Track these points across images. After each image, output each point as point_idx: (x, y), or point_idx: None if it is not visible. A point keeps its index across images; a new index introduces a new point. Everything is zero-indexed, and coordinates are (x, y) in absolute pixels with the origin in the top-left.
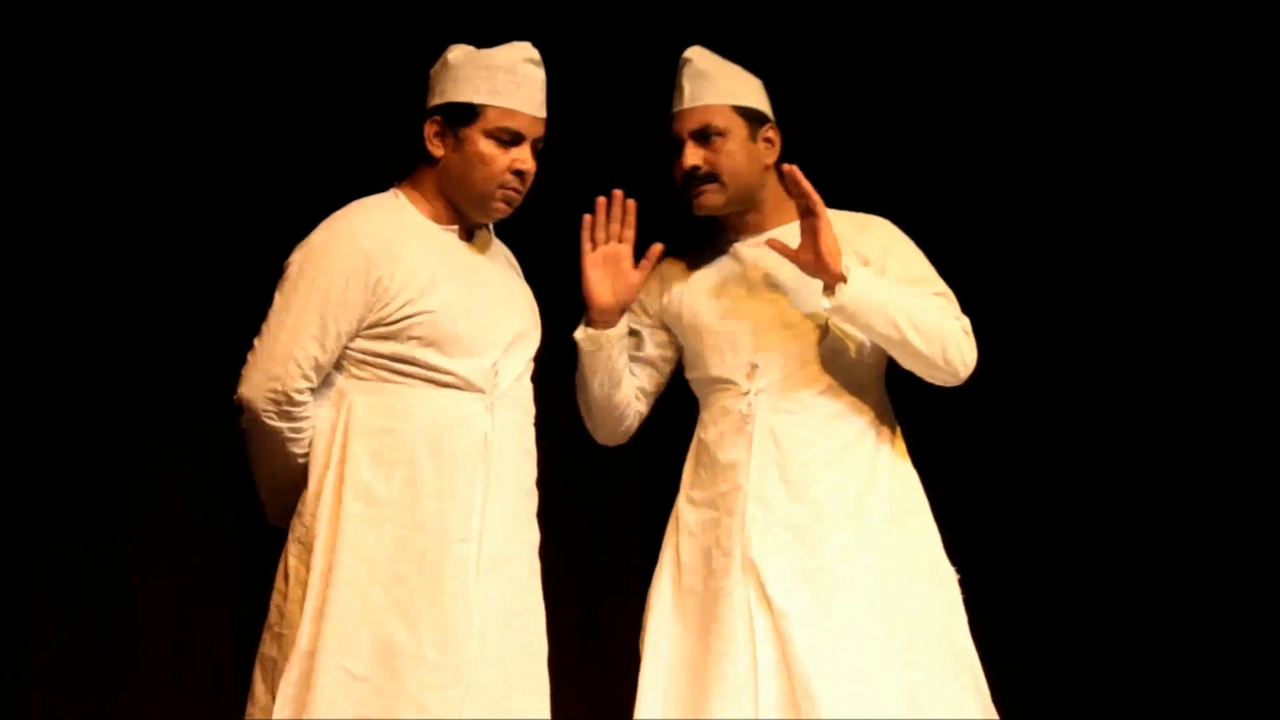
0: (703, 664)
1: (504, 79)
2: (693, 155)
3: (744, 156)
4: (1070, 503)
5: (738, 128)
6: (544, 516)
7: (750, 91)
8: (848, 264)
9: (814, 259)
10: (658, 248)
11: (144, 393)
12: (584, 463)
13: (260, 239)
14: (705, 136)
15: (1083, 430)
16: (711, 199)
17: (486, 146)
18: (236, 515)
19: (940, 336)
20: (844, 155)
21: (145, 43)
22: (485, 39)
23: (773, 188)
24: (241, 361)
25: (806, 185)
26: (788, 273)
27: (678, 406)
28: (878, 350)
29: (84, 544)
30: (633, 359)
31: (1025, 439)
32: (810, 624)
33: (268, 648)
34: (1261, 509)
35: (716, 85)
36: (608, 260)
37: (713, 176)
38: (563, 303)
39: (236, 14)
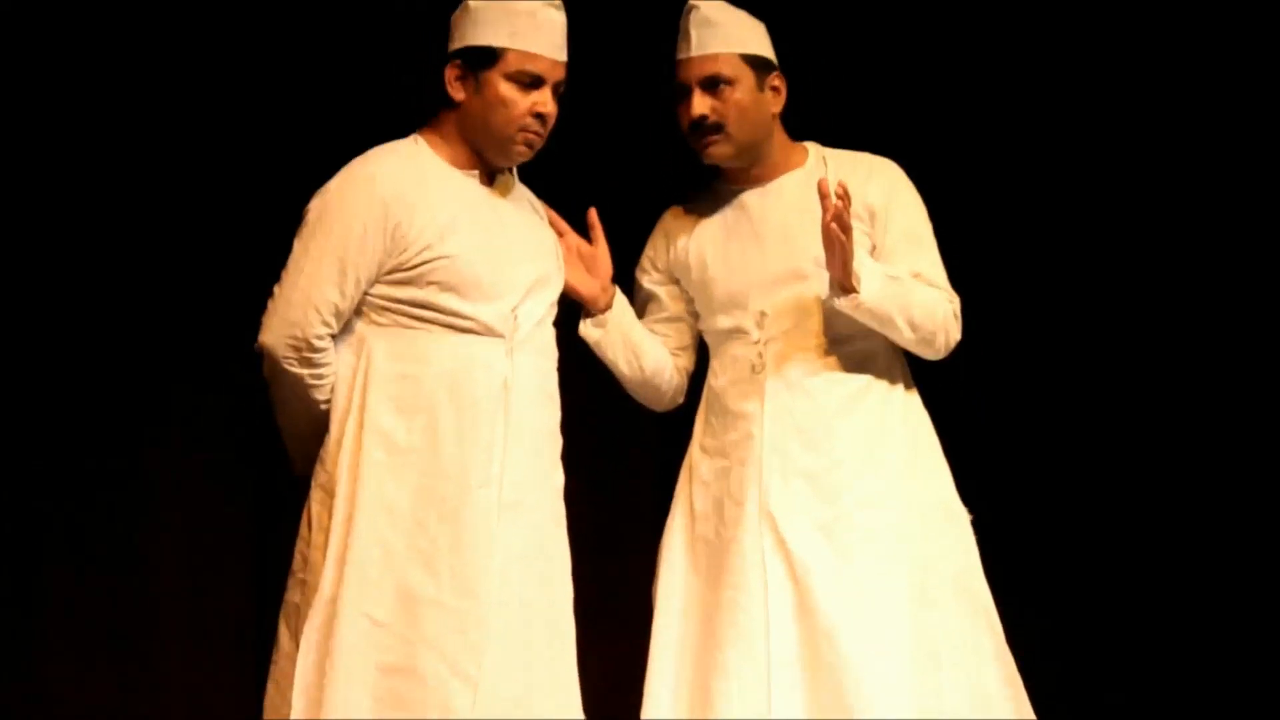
0: (715, 612)
1: (524, 22)
2: (700, 104)
3: (752, 106)
4: (1074, 478)
5: (746, 77)
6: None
7: (758, 39)
8: (858, 271)
9: (835, 267)
10: (593, 213)
11: (157, 346)
12: (598, 409)
13: (280, 187)
14: (713, 85)
15: (1083, 410)
16: (721, 149)
17: (507, 89)
18: (252, 467)
19: (932, 332)
20: (852, 115)
21: (154, 7)
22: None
23: (779, 136)
24: (258, 312)
25: (830, 201)
26: (796, 222)
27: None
28: None
29: (98, 500)
30: (657, 320)
31: (1026, 424)
32: (831, 572)
33: (292, 594)
34: (1259, 489)
35: (724, 33)
36: (570, 255)
37: (720, 126)
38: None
39: None
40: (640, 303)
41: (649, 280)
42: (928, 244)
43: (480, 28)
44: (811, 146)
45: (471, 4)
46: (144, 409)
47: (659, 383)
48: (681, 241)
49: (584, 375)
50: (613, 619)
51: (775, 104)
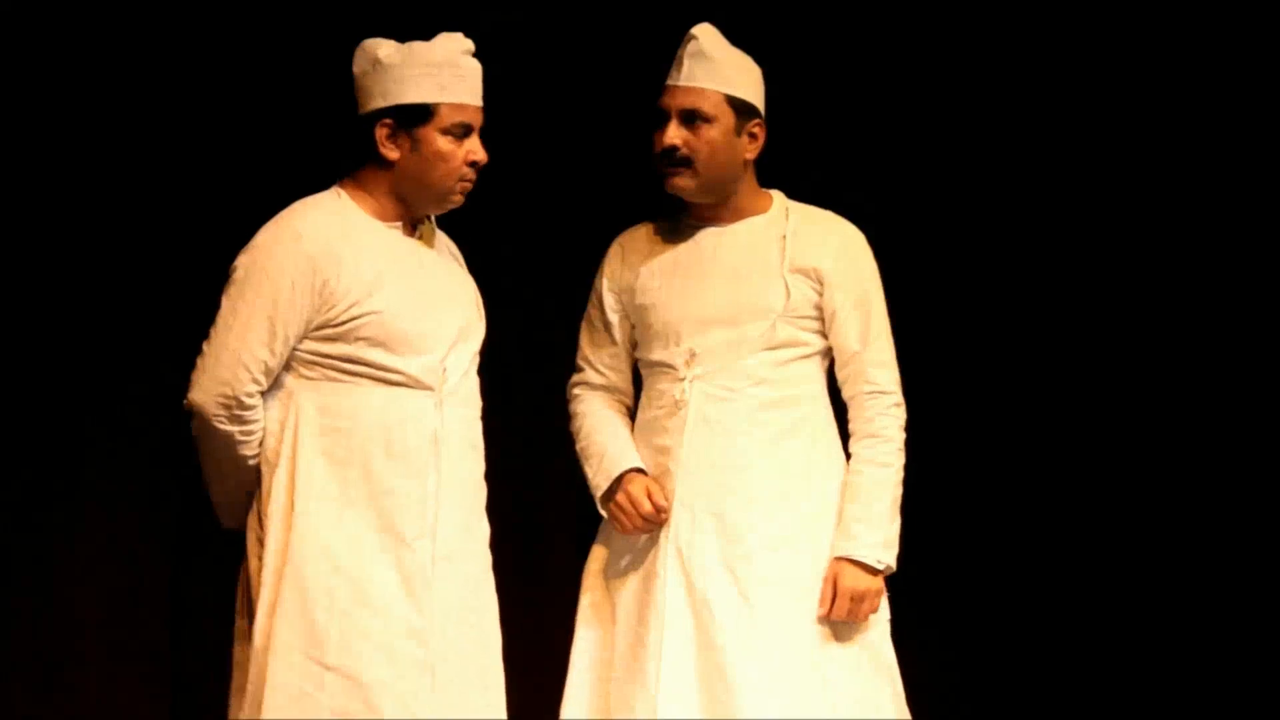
0: (624, 645)
1: (449, 74)
2: (674, 134)
3: (724, 147)
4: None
5: (725, 117)
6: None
7: (748, 83)
8: (880, 558)
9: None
10: None
11: (75, 380)
12: (519, 453)
13: (204, 240)
14: (691, 119)
15: (1052, 432)
16: (684, 182)
17: (444, 144)
18: (170, 512)
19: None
20: (831, 150)
21: (83, 44)
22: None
23: (747, 181)
24: (178, 359)
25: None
26: (745, 268)
27: None
28: (821, 352)
29: (15, 541)
30: (605, 354)
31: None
32: (732, 611)
33: (239, 651)
34: (1229, 508)
35: (715, 70)
36: None
37: (688, 161)
38: (504, 294)
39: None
40: (591, 328)
41: (605, 307)
42: (877, 315)
43: (406, 85)
44: (777, 196)
45: (384, 60)
46: (62, 440)
47: None
48: (634, 262)
49: (503, 419)
50: (535, 665)
51: (750, 150)
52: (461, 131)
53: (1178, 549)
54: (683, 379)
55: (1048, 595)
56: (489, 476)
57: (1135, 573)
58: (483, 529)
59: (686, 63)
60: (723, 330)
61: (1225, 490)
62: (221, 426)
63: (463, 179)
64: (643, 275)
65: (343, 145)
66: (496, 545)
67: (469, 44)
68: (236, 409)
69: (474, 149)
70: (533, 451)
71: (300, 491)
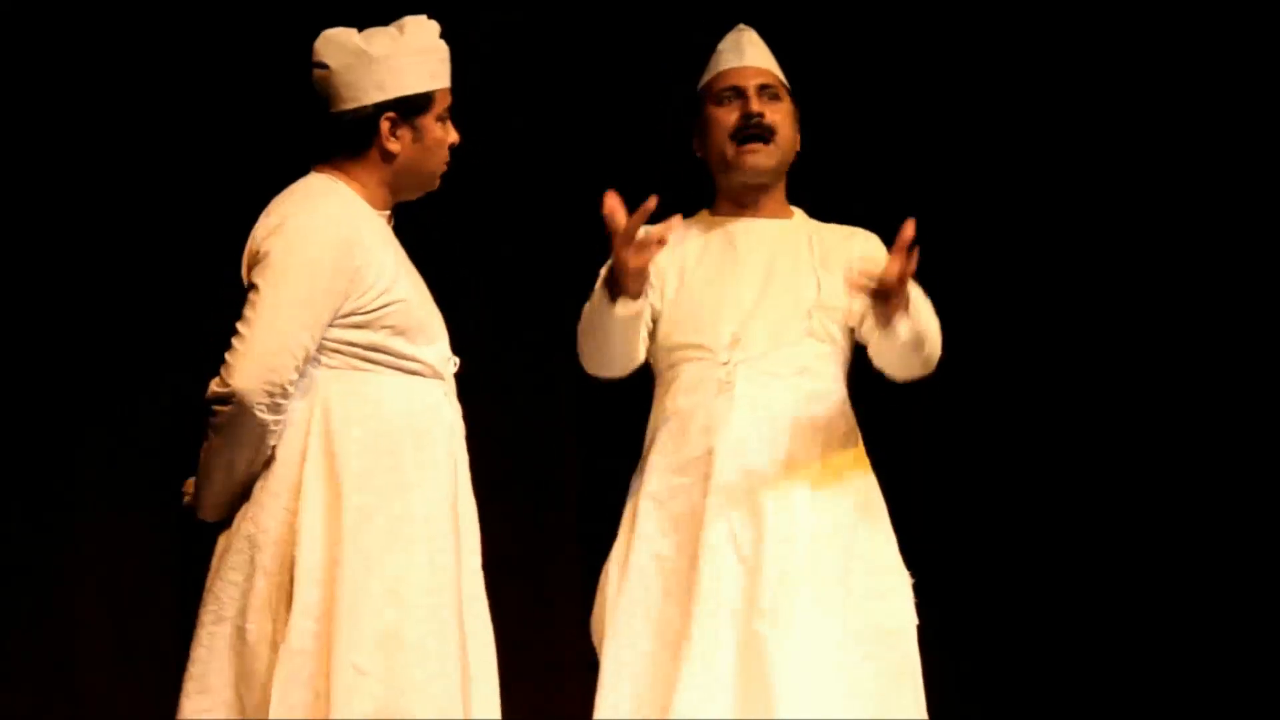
0: (681, 628)
1: (434, 60)
2: (758, 103)
3: (793, 127)
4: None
5: (788, 100)
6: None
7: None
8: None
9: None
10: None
11: (75, 372)
12: (520, 447)
13: (197, 240)
14: (769, 92)
15: (1044, 436)
16: (763, 159)
17: (440, 130)
18: (171, 511)
19: (937, 344)
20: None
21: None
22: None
23: (784, 182)
24: (178, 357)
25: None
26: (778, 256)
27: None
28: (851, 348)
29: (15, 541)
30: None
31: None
32: (771, 599)
33: (224, 644)
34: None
35: (768, 58)
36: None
37: (773, 131)
38: (504, 293)
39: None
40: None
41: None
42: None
43: (404, 75)
44: (798, 211)
45: (371, 51)
46: (62, 440)
47: (633, 361)
48: (667, 250)
49: (502, 420)
50: (534, 668)
51: (798, 140)
52: (448, 115)
53: (1187, 560)
54: (725, 362)
55: (1061, 600)
56: (487, 475)
57: (1149, 582)
58: (476, 520)
59: (747, 48)
60: (763, 314)
61: (1231, 492)
62: (261, 415)
63: (446, 163)
64: (675, 259)
65: (318, 137)
66: (497, 546)
67: (437, 25)
68: (279, 396)
69: (452, 131)
70: (532, 451)
71: (347, 486)
